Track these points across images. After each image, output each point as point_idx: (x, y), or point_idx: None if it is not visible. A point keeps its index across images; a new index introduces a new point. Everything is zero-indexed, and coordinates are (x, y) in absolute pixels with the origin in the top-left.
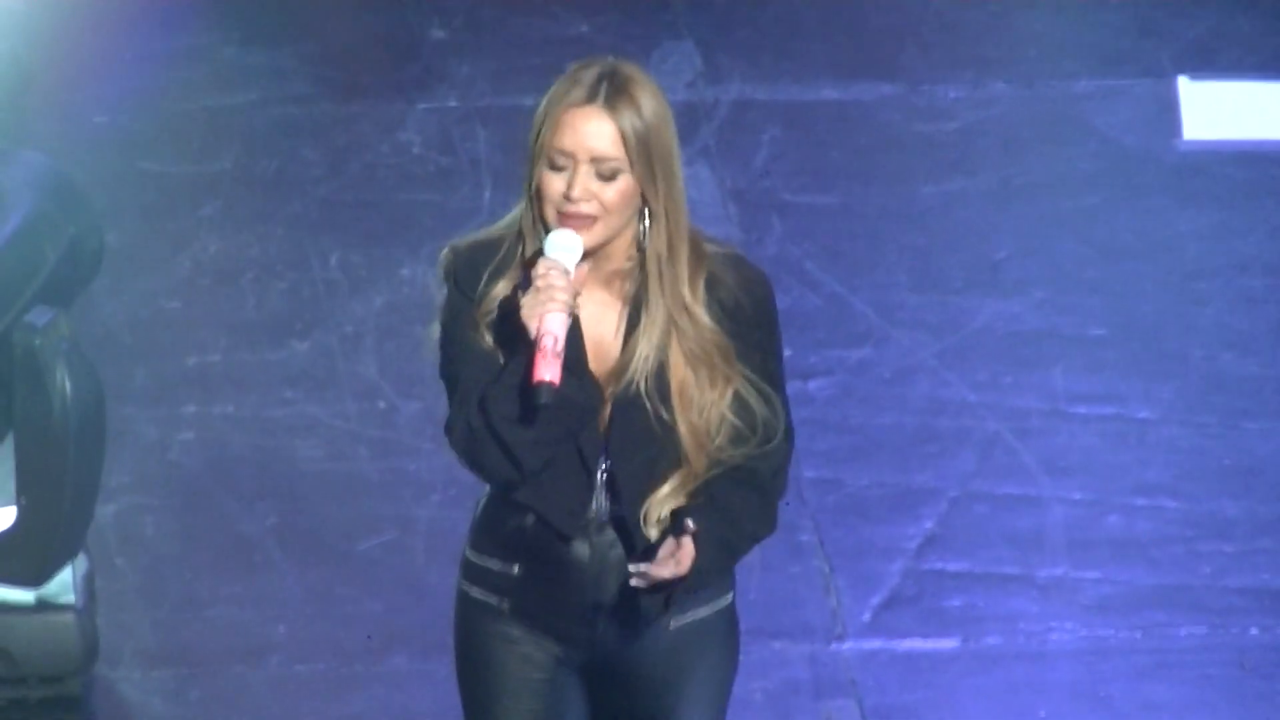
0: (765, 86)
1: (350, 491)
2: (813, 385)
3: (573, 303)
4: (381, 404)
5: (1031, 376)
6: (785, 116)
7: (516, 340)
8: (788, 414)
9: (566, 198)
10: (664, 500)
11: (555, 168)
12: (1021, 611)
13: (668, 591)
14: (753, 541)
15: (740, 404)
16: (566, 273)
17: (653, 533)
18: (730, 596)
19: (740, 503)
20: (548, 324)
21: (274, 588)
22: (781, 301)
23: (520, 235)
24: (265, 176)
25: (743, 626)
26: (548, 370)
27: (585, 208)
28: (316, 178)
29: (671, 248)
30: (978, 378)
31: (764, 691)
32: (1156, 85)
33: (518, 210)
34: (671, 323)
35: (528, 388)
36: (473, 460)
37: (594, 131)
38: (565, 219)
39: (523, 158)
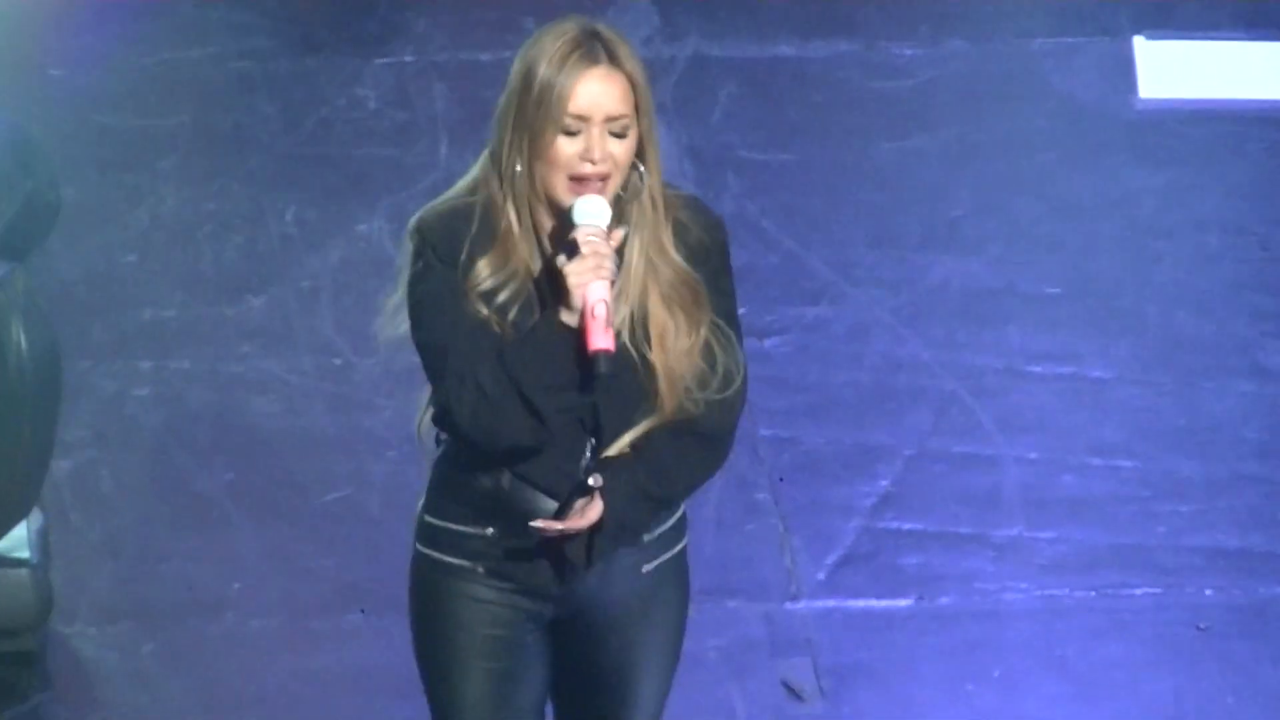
0: (722, 43)
1: (306, 447)
2: (769, 343)
3: (614, 268)
4: (338, 360)
5: (988, 335)
6: (742, 73)
7: (513, 308)
8: (744, 357)
9: (588, 160)
10: (627, 438)
11: (569, 132)
12: (977, 571)
13: (588, 543)
14: (688, 488)
15: (706, 348)
16: (608, 239)
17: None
18: (685, 540)
19: (673, 453)
20: (595, 291)
21: (230, 543)
22: (738, 259)
23: (490, 203)
24: (222, 131)
25: (698, 585)
26: (602, 339)
27: (604, 167)
28: (273, 133)
29: (657, 192)
30: (934, 336)
31: (719, 650)
32: (1113, 44)
33: (475, 174)
34: (649, 267)
35: (582, 357)
36: (485, 425)
37: (608, 91)
38: (581, 183)
39: (484, 117)
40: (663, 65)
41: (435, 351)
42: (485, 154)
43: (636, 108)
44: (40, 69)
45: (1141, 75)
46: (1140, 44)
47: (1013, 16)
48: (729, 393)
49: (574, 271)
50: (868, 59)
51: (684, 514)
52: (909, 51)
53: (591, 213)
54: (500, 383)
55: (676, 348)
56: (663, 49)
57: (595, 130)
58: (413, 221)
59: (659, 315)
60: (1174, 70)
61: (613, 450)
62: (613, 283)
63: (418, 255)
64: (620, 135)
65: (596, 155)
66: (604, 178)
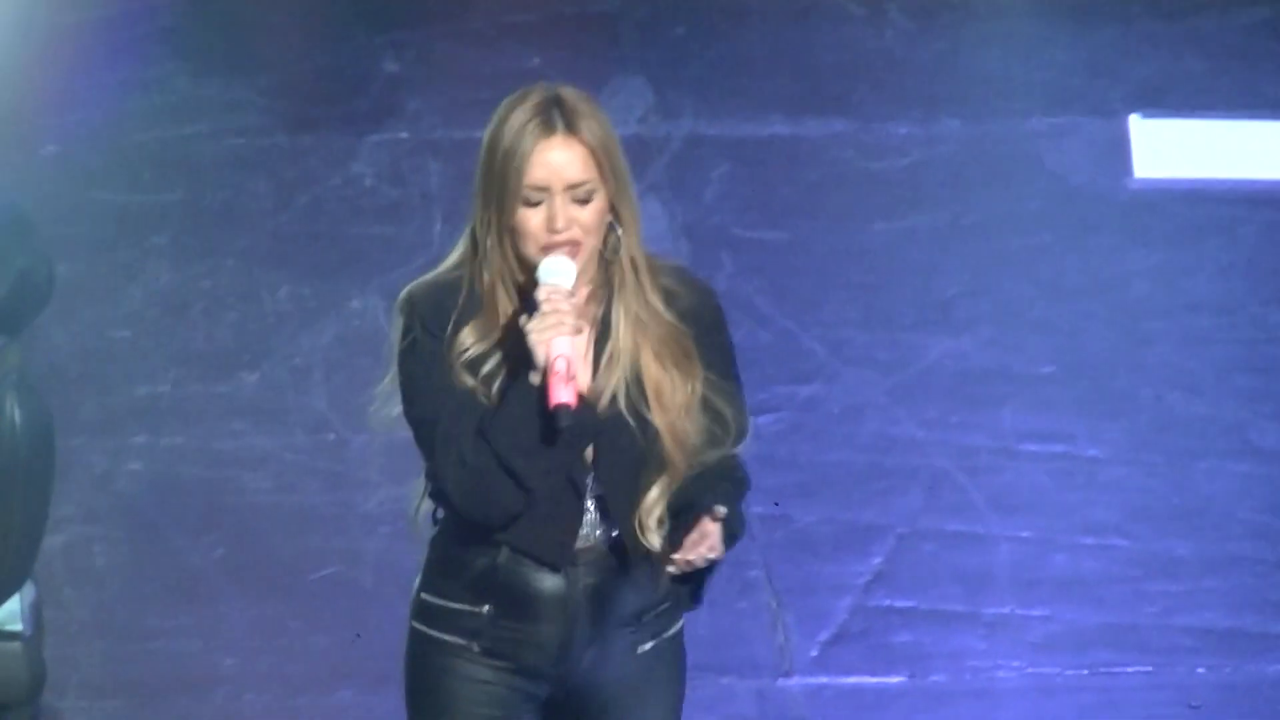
0: (716, 122)
1: (298, 524)
2: (762, 421)
3: (580, 324)
4: (330, 436)
5: (980, 414)
6: (736, 152)
7: (497, 377)
8: (745, 417)
9: (551, 230)
10: (653, 505)
11: (531, 204)
12: (968, 649)
13: (700, 579)
14: (734, 537)
15: (707, 404)
16: (570, 295)
17: (653, 539)
18: (682, 622)
19: (729, 490)
20: (557, 347)
21: (222, 619)
22: (731, 336)
23: (477, 275)
24: (215, 208)
25: (691, 662)
26: (563, 394)
27: (570, 234)
28: (267, 210)
29: (639, 251)
30: (927, 415)
31: None
32: (1107, 124)
33: (460, 248)
34: (638, 324)
35: (545, 414)
36: (470, 495)
37: (565, 160)
38: (551, 250)
39: (471, 196)
40: (657, 143)
41: (426, 426)
42: (468, 228)
43: (600, 171)
44: (34, 145)
45: (1136, 155)
46: (1135, 123)
47: (1007, 96)
48: (738, 450)
49: (534, 329)
50: (861, 138)
51: (679, 599)
52: (902, 131)
53: (555, 271)
54: (481, 453)
55: (674, 403)
56: (657, 127)
57: (558, 199)
58: (401, 296)
59: (653, 372)
60: (1169, 149)
61: (651, 523)
62: (589, 339)
63: (407, 330)
64: (585, 201)
65: (559, 224)
66: (574, 244)
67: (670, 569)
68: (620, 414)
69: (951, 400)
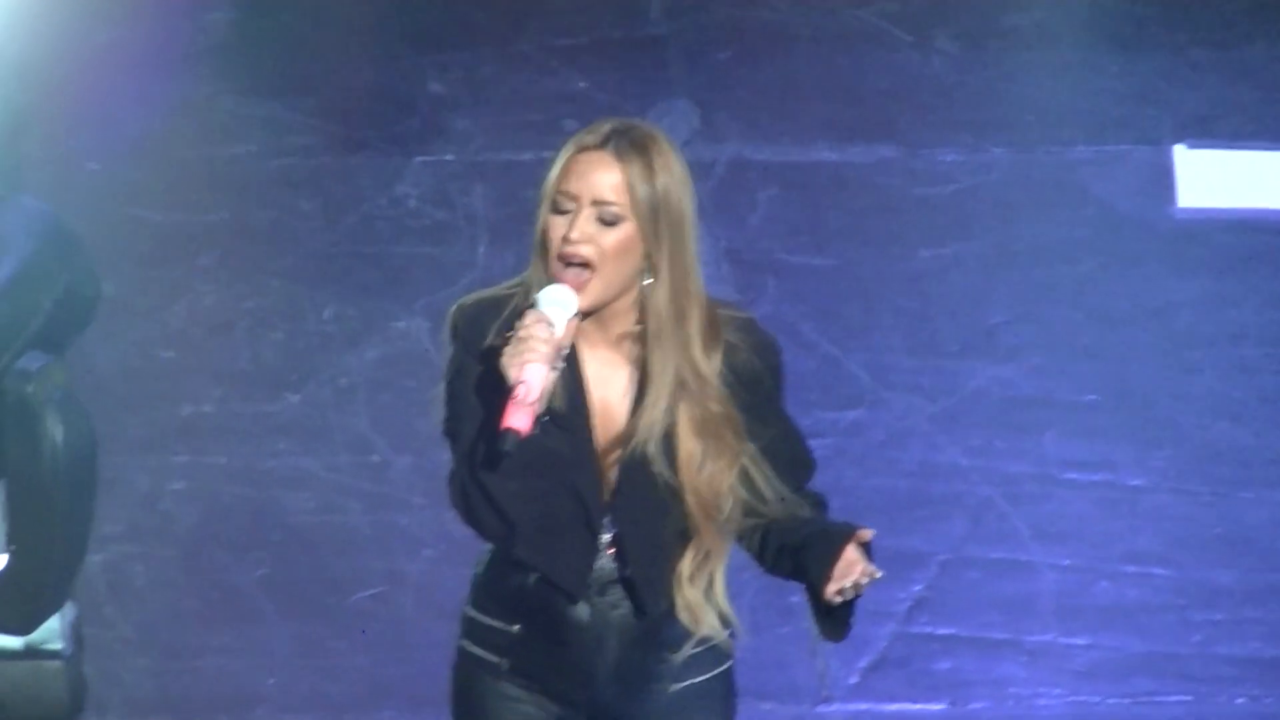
0: (762, 147)
1: (341, 544)
2: None
3: (555, 357)
4: (374, 457)
5: (1024, 442)
6: (782, 177)
7: (500, 394)
8: (810, 453)
9: (565, 239)
10: (694, 575)
11: (559, 211)
12: (1010, 676)
13: (848, 611)
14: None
15: (747, 480)
16: (551, 325)
17: (702, 614)
18: (730, 662)
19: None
20: (525, 373)
21: (263, 639)
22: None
23: (527, 291)
24: (261, 228)
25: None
26: (515, 418)
27: (583, 249)
28: (313, 230)
29: (678, 310)
30: (971, 442)
31: None
32: (1153, 152)
33: (529, 272)
34: (680, 387)
35: (494, 435)
36: (467, 515)
37: (598, 175)
38: (564, 264)
39: (523, 217)
40: (703, 168)
41: (451, 440)
42: None
43: (632, 205)
44: (79, 163)
45: (1181, 184)
46: (1180, 153)
47: (1053, 124)
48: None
49: (507, 352)
50: (908, 165)
51: (727, 640)
52: (949, 158)
53: (551, 300)
54: (469, 472)
55: (704, 474)
56: (703, 151)
57: (583, 212)
58: (450, 309)
59: (687, 439)
60: (1214, 179)
61: (695, 596)
62: (553, 368)
63: (450, 343)
64: (609, 223)
65: (575, 233)
66: (586, 264)
67: (835, 599)
68: (646, 462)
69: (995, 427)
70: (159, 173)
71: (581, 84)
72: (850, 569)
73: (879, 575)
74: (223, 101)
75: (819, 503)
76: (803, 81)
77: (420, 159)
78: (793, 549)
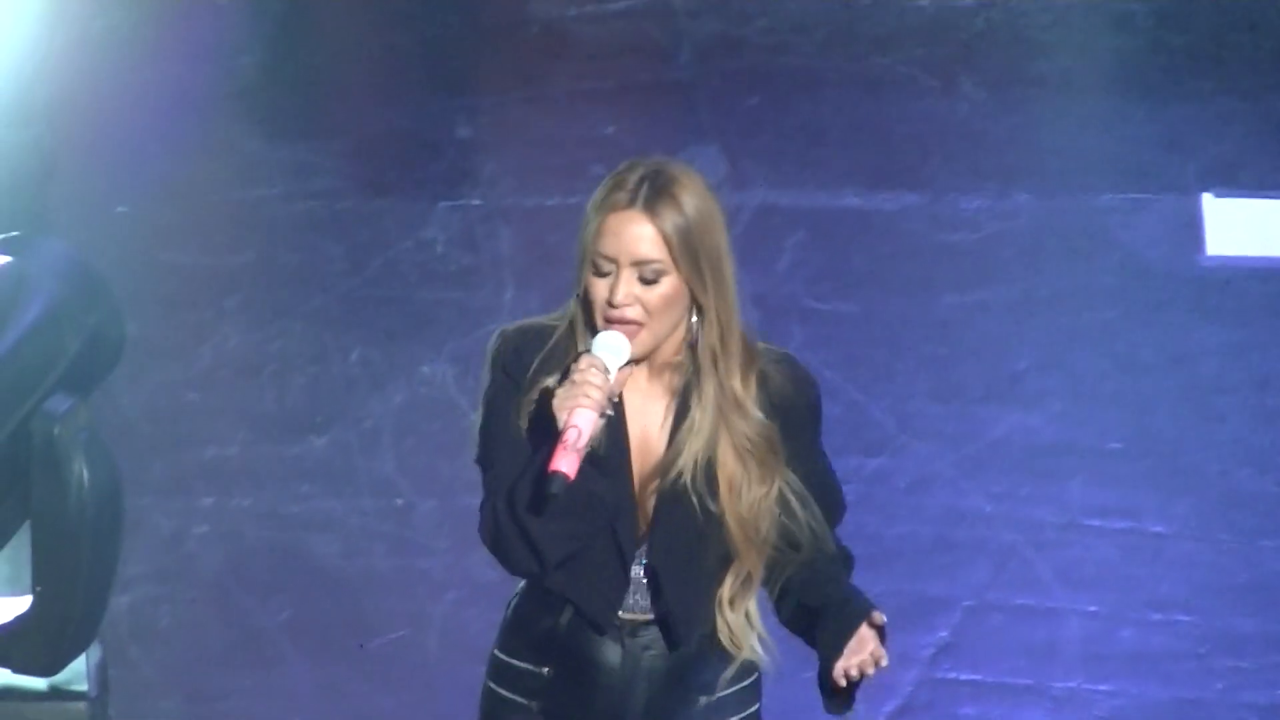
0: (789, 193)
1: (365, 588)
2: None
3: (606, 404)
4: (399, 501)
5: (1049, 488)
6: (809, 223)
7: (549, 432)
8: (841, 495)
9: (610, 303)
10: (735, 600)
11: (600, 273)
12: None
13: (855, 687)
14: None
15: (784, 503)
16: (605, 371)
17: (742, 637)
18: (757, 705)
19: (844, 575)
20: (576, 418)
21: (287, 682)
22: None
23: (571, 329)
24: (287, 270)
25: None
26: (564, 462)
27: (630, 313)
28: (339, 273)
29: (724, 344)
30: (995, 489)
31: None
32: (1180, 201)
33: (572, 304)
34: (721, 416)
35: (541, 476)
36: (497, 548)
37: (634, 235)
38: (611, 324)
39: (549, 262)
40: (730, 213)
41: (484, 467)
42: None
43: (671, 256)
44: (107, 205)
45: (1208, 233)
46: (1208, 201)
47: (1080, 172)
48: (827, 547)
49: (560, 394)
50: (933, 211)
51: (756, 680)
52: (975, 204)
53: (605, 345)
54: (508, 508)
55: (748, 498)
56: (730, 197)
57: (623, 273)
58: (494, 335)
59: (729, 464)
60: (1241, 228)
61: (736, 618)
62: (605, 416)
63: (490, 369)
64: (651, 281)
65: (617, 297)
66: (634, 324)
67: (841, 681)
68: (686, 493)
69: (1020, 474)
70: (186, 215)
71: (609, 129)
72: (861, 649)
73: (885, 665)
74: (249, 144)
75: (846, 558)
76: (829, 128)
77: (446, 203)
78: (810, 611)
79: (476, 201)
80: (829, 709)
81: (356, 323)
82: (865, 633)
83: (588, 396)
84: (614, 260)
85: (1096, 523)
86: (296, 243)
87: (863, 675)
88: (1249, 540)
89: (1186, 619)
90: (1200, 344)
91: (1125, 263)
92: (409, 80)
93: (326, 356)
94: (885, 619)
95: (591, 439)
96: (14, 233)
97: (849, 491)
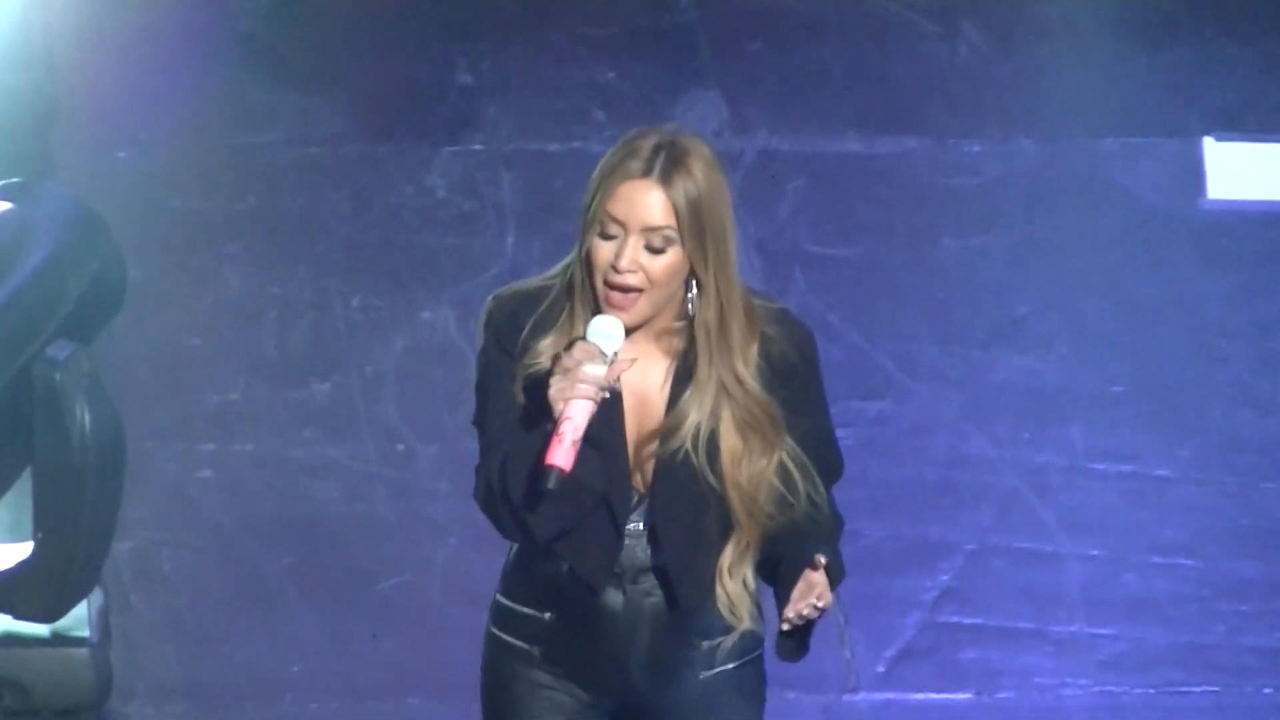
0: (791, 138)
1: (367, 533)
2: None
3: (602, 392)
4: (400, 446)
5: (1051, 433)
6: (810, 168)
7: (546, 404)
8: (840, 456)
9: (614, 267)
10: (734, 568)
11: (606, 236)
12: (1036, 667)
13: (806, 633)
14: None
15: (784, 472)
16: (602, 357)
17: (741, 606)
18: (760, 650)
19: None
20: (571, 409)
21: (289, 626)
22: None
23: (567, 288)
24: (289, 216)
25: None
26: (560, 456)
27: (631, 279)
28: (340, 219)
29: (722, 320)
30: (997, 433)
31: None
32: (1182, 145)
33: (567, 260)
34: (722, 391)
35: (538, 468)
36: (489, 516)
37: (646, 203)
38: (611, 288)
39: (551, 208)
40: (731, 159)
41: (480, 433)
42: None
43: (679, 227)
44: (107, 150)
45: (1210, 177)
46: (1209, 145)
47: (1081, 116)
48: (819, 512)
49: (554, 384)
50: (935, 156)
51: (756, 630)
52: (977, 149)
53: (600, 333)
54: (501, 487)
55: (748, 470)
56: (731, 142)
57: (631, 239)
58: (487, 301)
59: (730, 437)
60: (1242, 172)
61: (735, 586)
62: (600, 403)
63: (484, 335)
64: (658, 250)
65: (623, 262)
66: (635, 290)
67: (784, 626)
68: (687, 458)
69: (1022, 418)
70: (187, 161)
71: (610, 74)
72: (806, 593)
73: (825, 606)
74: (251, 90)
75: (836, 523)
76: (831, 72)
77: (448, 149)
78: (772, 563)
79: (478, 147)
80: (779, 652)
81: (358, 268)
82: (812, 577)
83: (577, 386)
84: (623, 225)
85: (1099, 467)
86: (298, 188)
87: (811, 620)
88: (1251, 484)
89: (1188, 563)
90: (1202, 288)
91: (1127, 207)
92: (411, 26)
93: (328, 302)
94: (826, 560)
95: (589, 428)
96: (15, 178)
97: (852, 435)
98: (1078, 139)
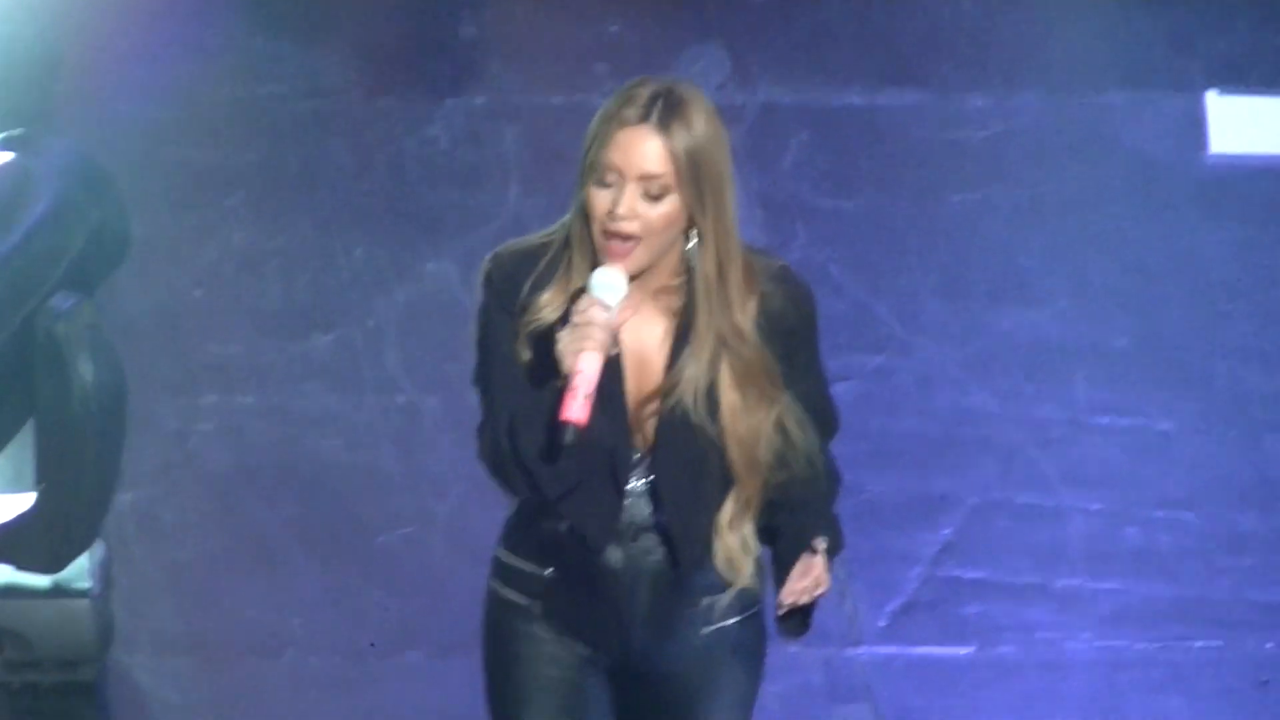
0: (794, 91)
1: (369, 486)
2: (834, 390)
3: (610, 343)
4: (402, 399)
5: (1053, 387)
6: (813, 122)
7: (552, 360)
8: (835, 414)
9: (611, 214)
10: (733, 522)
11: (603, 184)
12: (1038, 621)
13: (807, 613)
14: (820, 465)
15: (782, 428)
16: (608, 309)
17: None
18: (759, 607)
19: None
20: (582, 363)
21: (291, 580)
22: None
23: (567, 243)
24: (292, 169)
25: None
26: (576, 410)
27: (628, 226)
28: (343, 172)
29: (721, 270)
30: (1000, 387)
31: (778, 696)
32: (1186, 99)
33: (566, 217)
34: (721, 344)
35: (554, 424)
36: (496, 475)
37: (644, 150)
38: (609, 236)
39: (554, 161)
40: (734, 112)
41: (482, 393)
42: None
43: (677, 175)
44: (110, 102)
45: (1213, 131)
46: (1213, 99)
47: (1085, 70)
48: (816, 471)
49: (563, 339)
50: (939, 110)
51: (755, 586)
52: (980, 103)
53: (603, 285)
54: (509, 441)
55: (747, 425)
56: (734, 95)
57: (628, 187)
58: (485, 260)
59: (729, 392)
60: (1246, 126)
61: (734, 542)
62: (610, 355)
63: (483, 294)
64: (656, 197)
65: (620, 209)
66: (632, 238)
67: (780, 611)
68: (687, 414)
69: (1025, 372)
70: (190, 113)
71: (614, 27)
72: (804, 575)
73: (823, 592)
74: (254, 42)
75: (834, 480)
76: (835, 26)
77: (451, 101)
78: (771, 533)
79: (481, 100)
80: (780, 631)
81: (361, 221)
82: (810, 560)
83: (591, 339)
84: (620, 173)
85: (1102, 421)
86: (301, 141)
87: (812, 601)
88: (1254, 437)
89: (1191, 517)
90: (1205, 242)
91: (1130, 161)
92: None
93: (331, 254)
94: (824, 545)
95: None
96: (18, 130)
97: (854, 389)
98: (1081, 93)
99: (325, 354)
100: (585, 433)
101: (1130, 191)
